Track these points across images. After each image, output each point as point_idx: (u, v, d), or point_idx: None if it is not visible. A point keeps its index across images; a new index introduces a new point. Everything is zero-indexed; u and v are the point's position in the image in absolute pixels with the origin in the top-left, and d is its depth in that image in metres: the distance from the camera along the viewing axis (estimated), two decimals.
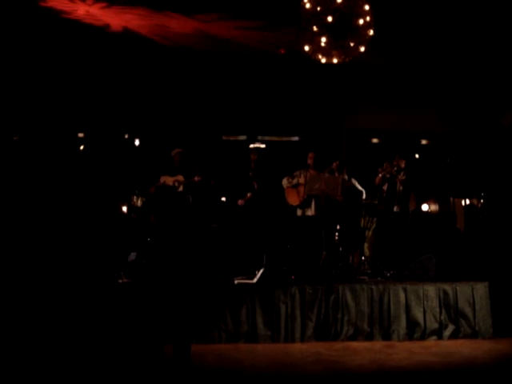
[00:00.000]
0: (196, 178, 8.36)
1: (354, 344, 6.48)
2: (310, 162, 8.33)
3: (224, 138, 10.29)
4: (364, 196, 8.50)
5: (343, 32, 5.09)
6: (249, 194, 8.55)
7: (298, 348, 6.30)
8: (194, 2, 6.82)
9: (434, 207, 11.43)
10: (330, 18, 4.98)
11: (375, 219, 8.45)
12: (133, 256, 7.49)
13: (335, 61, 5.47)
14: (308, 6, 5.09)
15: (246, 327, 6.57)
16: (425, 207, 11.33)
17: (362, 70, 8.69)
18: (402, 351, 6.14)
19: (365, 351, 6.14)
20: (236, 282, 6.93)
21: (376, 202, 8.33)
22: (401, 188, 8.28)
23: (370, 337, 6.70)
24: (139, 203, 8.61)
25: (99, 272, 7.38)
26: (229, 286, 6.76)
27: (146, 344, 4.90)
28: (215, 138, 10.20)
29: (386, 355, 5.96)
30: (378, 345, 6.46)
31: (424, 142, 10.78)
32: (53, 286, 6.66)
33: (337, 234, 8.13)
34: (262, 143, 9.92)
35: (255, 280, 6.91)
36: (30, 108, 9.49)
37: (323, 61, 5.49)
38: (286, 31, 7.26)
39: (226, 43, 7.92)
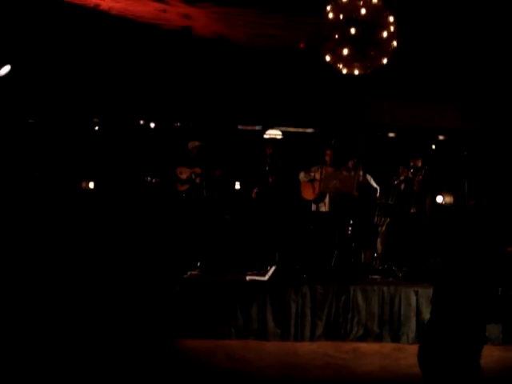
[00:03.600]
0: (217, 172, 8.28)
1: (363, 346, 6.47)
2: (327, 158, 8.32)
3: (240, 127, 10.22)
4: (378, 193, 8.44)
5: (366, 44, 4.98)
6: (255, 189, 8.50)
7: (307, 348, 6.30)
8: None
9: (449, 200, 11.30)
10: (353, 30, 4.86)
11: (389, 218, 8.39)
12: None
13: (356, 72, 5.36)
14: (331, 15, 4.96)
15: (256, 324, 6.60)
16: (439, 199, 11.19)
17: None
18: (412, 356, 6.04)
19: (374, 355, 6.14)
20: (248, 278, 6.95)
21: (390, 201, 8.25)
22: (418, 188, 8.19)
23: (379, 338, 6.69)
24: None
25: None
26: (240, 283, 6.77)
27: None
28: (231, 127, 10.13)
29: (395, 360, 5.96)
30: (388, 347, 6.45)
31: (441, 137, 10.64)
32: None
33: (350, 230, 8.10)
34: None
35: (267, 277, 6.93)
36: (46, 91, 9.46)
37: (344, 71, 5.38)
38: (306, 26, 7.13)
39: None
